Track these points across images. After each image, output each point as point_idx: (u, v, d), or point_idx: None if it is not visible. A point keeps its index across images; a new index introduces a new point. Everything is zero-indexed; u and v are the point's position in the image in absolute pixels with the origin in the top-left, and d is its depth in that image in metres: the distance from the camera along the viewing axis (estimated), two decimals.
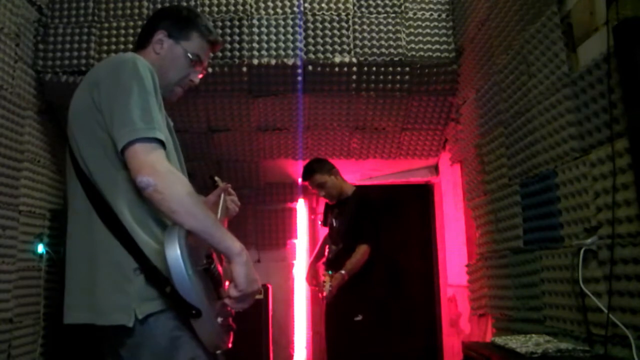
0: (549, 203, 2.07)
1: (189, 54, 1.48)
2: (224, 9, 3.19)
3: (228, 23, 3.17)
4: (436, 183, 4.05)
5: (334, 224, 3.30)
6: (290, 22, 3.16)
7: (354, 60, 3.14)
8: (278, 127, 3.54)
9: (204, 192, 1.58)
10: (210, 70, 3.07)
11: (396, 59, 3.15)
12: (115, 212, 1.21)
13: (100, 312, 1.18)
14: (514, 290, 2.42)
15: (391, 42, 3.16)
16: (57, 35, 3.13)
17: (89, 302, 1.21)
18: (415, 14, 3.22)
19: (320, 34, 3.15)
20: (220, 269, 1.32)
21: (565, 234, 1.94)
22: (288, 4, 3.19)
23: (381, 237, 3.18)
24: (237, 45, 3.12)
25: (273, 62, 3.11)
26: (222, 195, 1.62)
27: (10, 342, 2.63)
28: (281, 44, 3.13)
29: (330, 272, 3.08)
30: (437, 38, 3.19)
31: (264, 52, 3.11)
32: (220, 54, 3.09)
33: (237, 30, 3.15)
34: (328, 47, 3.14)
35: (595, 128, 1.74)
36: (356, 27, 3.18)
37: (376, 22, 3.19)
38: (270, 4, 3.20)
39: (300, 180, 3.55)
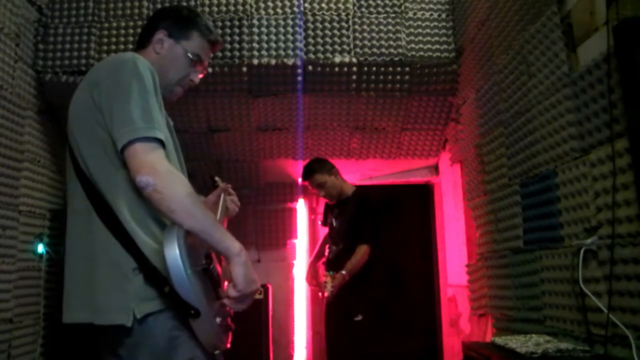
0: (549, 203, 2.07)
1: (189, 54, 1.48)
2: (224, 9, 3.19)
3: (228, 23, 3.17)
4: (436, 183, 4.05)
5: (334, 224, 3.30)
6: (290, 22, 3.16)
7: (354, 60, 3.14)
8: (278, 127, 3.54)
9: (204, 192, 1.58)
10: (210, 70, 3.07)
11: (396, 59, 3.15)
12: (115, 212, 1.21)
13: (99, 312, 1.18)
14: (514, 290, 2.42)
15: (391, 42, 3.16)
16: (57, 35, 3.13)
17: (88, 302, 1.21)
18: (415, 14, 3.22)
19: (320, 34, 3.15)
20: (219, 269, 1.32)
21: (565, 234, 1.94)
22: (288, 4, 3.19)
23: (381, 237, 3.18)
24: (237, 45, 3.12)
25: (273, 62, 3.11)
26: (222, 196, 1.62)
27: (10, 342, 2.63)
28: (281, 44, 3.13)
29: (331, 272, 3.08)
30: (437, 38, 3.19)
31: (264, 52, 3.11)
32: (220, 54, 3.09)
33: (237, 30, 3.15)
34: (328, 47, 3.14)
35: (595, 128, 1.74)
36: (356, 27, 3.18)
37: (376, 22, 3.19)
38: (270, 4, 3.20)
39: (300, 180, 3.56)
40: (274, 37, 3.13)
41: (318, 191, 3.30)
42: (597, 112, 1.72)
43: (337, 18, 3.19)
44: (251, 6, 3.19)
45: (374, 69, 3.17)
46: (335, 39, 3.15)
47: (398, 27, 3.19)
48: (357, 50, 3.14)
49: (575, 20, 1.90)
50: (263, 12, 3.19)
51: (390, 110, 3.41)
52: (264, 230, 4.12)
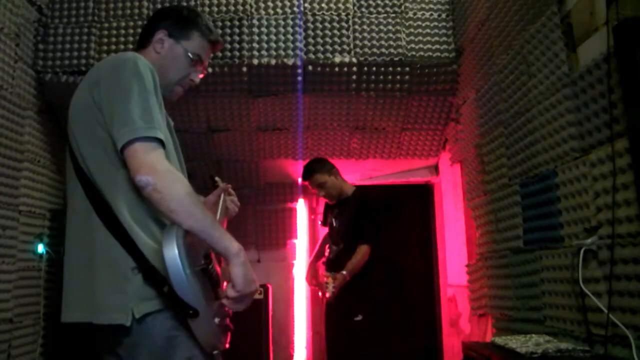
0: (549, 203, 2.07)
1: (190, 54, 1.48)
2: (224, 9, 3.19)
3: (228, 23, 3.17)
4: (436, 183, 4.05)
5: (334, 224, 3.30)
6: (290, 22, 3.16)
7: (354, 60, 3.14)
8: (278, 127, 3.54)
9: (204, 192, 1.58)
10: (210, 70, 3.07)
11: (396, 59, 3.15)
12: (115, 212, 1.21)
13: (98, 311, 1.19)
14: (514, 290, 2.42)
15: (391, 42, 3.16)
16: (57, 35, 3.13)
17: (87, 301, 1.21)
18: (415, 14, 3.22)
19: (320, 34, 3.15)
20: (218, 269, 1.32)
21: (565, 234, 1.94)
22: (288, 4, 3.19)
23: (381, 237, 3.18)
24: (237, 45, 3.12)
25: (273, 62, 3.11)
26: (222, 196, 1.62)
27: (10, 342, 2.63)
28: (281, 44, 3.13)
29: (332, 272, 3.07)
30: (437, 38, 3.19)
31: (264, 52, 3.11)
32: (220, 54, 3.09)
33: (237, 30, 3.15)
34: (328, 47, 3.14)
35: (595, 128, 1.74)
36: (356, 27, 3.18)
37: (376, 22, 3.19)
38: (270, 4, 3.20)
39: (300, 180, 3.56)
40: (274, 37, 3.13)
41: (318, 191, 3.30)
42: (597, 112, 1.72)
43: (337, 18, 3.19)
44: (251, 6, 3.19)
45: (374, 69, 3.17)
46: (335, 39, 3.15)
47: (398, 27, 3.19)
48: (357, 50, 3.14)
49: (575, 20, 1.90)
50: (263, 12, 3.19)
51: (390, 110, 3.41)
52: (264, 230, 4.12)
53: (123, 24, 3.16)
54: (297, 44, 3.12)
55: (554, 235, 2.03)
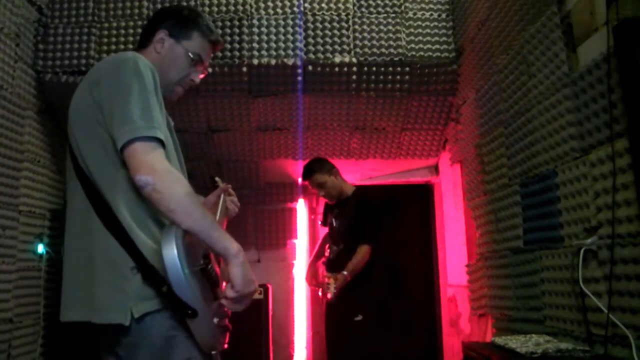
0: (549, 203, 2.07)
1: (190, 54, 1.48)
2: (224, 9, 3.19)
3: (228, 23, 3.17)
4: (436, 183, 4.05)
5: (334, 224, 3.30)
6: (290, 22, 3.16)
7: (354, 60, 3.14)
8: (278, 127, 3.54)
9: (203, 192, 1.58)
10: (210, 70, 3.07)
11: (396, 59, 3.15)
12: (114, 211, 1.21)
13: (97, 311, 1.19)
14: (514, 290, 2.42)
15: (391, 42, 3.16)
16: (57, 35, 3.13)
17: (86, 301, 1.21)
18: (415, 14, 3.22)
19: (320, 34, 3.15)
20: (217, 269, 1.32)
21: (565, 234, 1.94)
22: (288, 4, 3.19)
23: (381, 237, 3.18)
24: (237, 45, 3.12)
25: (273, 62, 3.11)
26: (222, 196, 1.62)
27: (10, 342, 2.63)
28: (281, 44, 3.13)
29: (333, 273, 3.06)
30: (437, 38, 3.19)
31: (264, 52, 3.11)
32: (220, 54, 3.09)
33: (237, 30, 3.15)
34: (328, 47, 3.14)
35: (595, 128, 1.74)
36: (356, 27, 3.18)
37: (376, 22, 3.19)
38: (270, 4, 3.20)
39: (300, 180, 3.55)
40: (274, 37, 3.13)
41: (318, 191, 3.30)
42: (597, 112, 1.72)
43: (337, 18, 3.19)
44: (251, 6, 3.19)
45: (374, 69, 3.17)
46: (335, 39, 3.15)
47: (398, 27, 3.19)
48: (357, 50, 3.14)
49: (575, 20, 1.90)
50: (263, 12, 3.19)
51: (390, 110, 3.41)
52: (264, 230, 4.12)
53: (123, 24, 3.16)
54: (297, 44, 3.12)
55: (554, 235, 2.03)
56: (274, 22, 3.16)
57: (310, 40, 3.14)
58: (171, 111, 1.48)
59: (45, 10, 3.16)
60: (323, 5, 3.20)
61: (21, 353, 2.74)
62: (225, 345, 1.29)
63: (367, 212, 3.15)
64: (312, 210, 4.32)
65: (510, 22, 2.42)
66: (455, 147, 3.37)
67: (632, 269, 1.55)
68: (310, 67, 3.14)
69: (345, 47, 3.14)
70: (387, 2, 3.23)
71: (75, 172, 1.29)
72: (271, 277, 3.92)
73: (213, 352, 1.26)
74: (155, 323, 1.18)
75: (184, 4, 3.18)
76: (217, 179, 1.71)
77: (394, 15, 3.21)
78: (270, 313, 3.73)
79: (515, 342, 1.85)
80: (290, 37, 3.13)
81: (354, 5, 3.22)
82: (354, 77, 3.19)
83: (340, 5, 3.21)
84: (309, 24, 3.17)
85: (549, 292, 2.06)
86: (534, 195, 2.22)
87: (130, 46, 3.09)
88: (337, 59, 3.13)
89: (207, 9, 3.18)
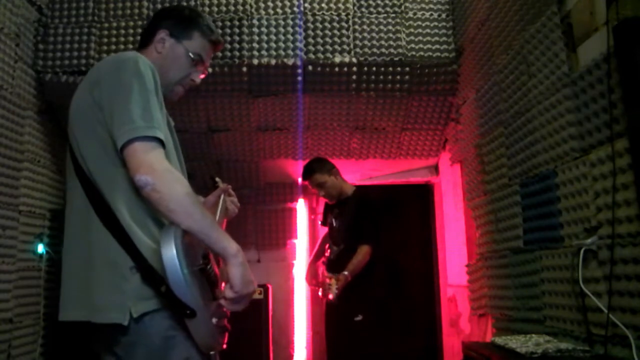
0: (549, 203, 2.07)
1: (191, 54, 1.48)
2: (224, 9, 3.19)
3: (228, 23, 3.17)
4: (436, 183, 4.05)
5: (334, 224, 3.30)
6: (290, 22, 3.16)
7: (354, 60, 3.14)
8: (278, 127, 3.54)
9: (203, 192, 1.58)
10: (210, 70, 3.07)
11: (396, 59, 3.15)
12: (114, 211, 1.21)
13: (96, 310, 1.19)
14: (514, 290, 2.42)
15: (391, 42, 3.16)
16: (57, 35, 3.13)
17: (85, 300, 1.21)
18: (415, 14, 3.22)
19: (320, 34, 3.15)
20: (217, 269, 1.32)
21: (565, 234, 1.94)
22: (288, 4, 3.19)
23: (381, 237, 3.18)
24: (237, 45, 3.12)
25: (273, 62, 3.11)
26: (222, 196, 1.62)
27: (10, 342, 2.63)
28: (281, 44, 3.13)
29: (335, 274, 3.05)
30: (437, 38, 3.19)
31: (264, 52, 3.11)
32: (220, 54, 3.09)
33: (237, 30, 3.15)
34: (328, 47, 3.14)
35: (595, 128, 1.74)
36: (356, 27, 3.18)
37: (376, 22, 3.19)
38: (270, 4, 3.20)
39: (300, 180, 3.55)
40: (274, 37, 3.13)
41: (318, 191, 3.30)
42: (597, 112, 1.72)
43: (337, 18, 3.19)
44: (251, 6, 3.19)
45: (374, 69, 3.17)
46: (335, 39, 3.15)
47: (398, 27, 3.19)
48: (357, 50, 3.14)
49: (575, 20, 1.90)
50: (263, 12, 3.19)
51: (390, 110, 3.41)
52: (264, 230, 4.12)
53: (123, 24, 3.16)
54: (297, 44, 3.12)
55: (554, 235, 2.03)
56: (274, 22, 3.16)
57: (310, 40, 3.14)
58: (171, 111, 1.48)
59: (45, 10, 3.16)
60: (323, 5, 3.20)
61: (21, 353, 2.74)
62: (224, 346, 1.29)
63: (367, 212, 3.15)
64: (312, 210, 4.32)
65: (510, 22, 2.42)
66: (455, 147, 3.37)
67: (632, 269, 1.55)
68: (310, 67, 3.14)
69: (345, 47, 3.14)
70: (387, 2, 3.23)
71: (75, 172, 1.29)
72: (271, 277, 3.93)
73: (212, 353, 1.26)
74: (154, 323, 1.18)
75: (184, 4, 3.18)
76: (217, 179, 1.71)
77: (394, 15, 3.21)
78: (270, 313, 3.74)
79: (515, 342, 1.85)
80: (290, 37, 3.13)
81: (354, 5, 3.22)
82: (354, 77, 3.19)
83: (340, 5, 3.21)
84: (309, 24, 3.17)
85: (549, 292, 2.06)
86: (534, 195, 2.22)
87: (130, 46, 3.09)
88: (337, 59, 3.13)
89: (207, 9, 3.18)
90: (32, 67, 3.04)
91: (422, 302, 4.20)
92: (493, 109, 2.66)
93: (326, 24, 3.17)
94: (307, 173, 3.26)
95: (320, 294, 3.24)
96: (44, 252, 2.97)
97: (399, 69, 3.18)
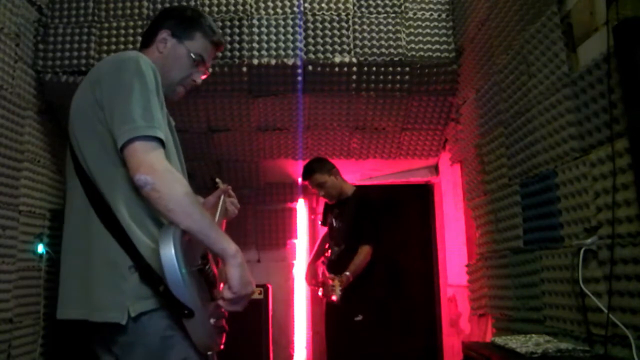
0: (549, 203, 2.07)
1: (192, 54, 1.49)
2: (224, 9, 3.19)
3: (228, 23, 3.17)
4: (436, 183, 4.05)
5: (334, 224, 3.30)
6: (290, 22, 3.16)
7: (354, 60, 3.14)
8: (278, 127, 3.54)
9: (203, 193, 1.58)
10: (210, 70, 3.06)
11: (396, 59, 3.15)
12: (113, 210, 1.21)
13: (94, 309, 1.19)
14: (514, 290, 2.42)
15: (391, 42, 3.16)
16: (57, 35, 3.13)
17: (83, 299, 1.21)
18: (415, 14, 3.22)
19: (320, 34, 3.15)
20: (215, 270, 1.32)
21: (565, 234, 1.94)
22: (288, 4, 3.19)
23: (381, 237, 3.18)
24: (237, 45, 3.12)
25: (273, 62, 3.11)
26: (222, 197, 1.62)
27: (10, 342, 2.63)
28: (281, 44, 3.13)
29: (337, 275, 3.05)
30: (437, 38, 3.19)
31: (264, 52, 3.11)
32: (220, 54, 3.09)
33: (237, 30, 3.15)
34: (328, 47, 3.14)
35: (595, 128, 1.74)
36: (356, 27, 3.18)
37: (376, 22, 3.19)
38: (270, 4, 3.20)
39: (300, 180, 3.55)
40: (274, 37, 3.13)
41: (318, 191, 3.30)
42: (597, 112, 1.72)
43: (337, 18, 3.19)
44: (251, 6, 3.19)
45: (374, 69, 3.17)
46: (335, 39, 3.15)
47: (398, 27, 3.19)
48: (357, 50, 3.14)
49: (575, 20, 1.90)
50: (263, 12, 3.19)
51: (390, 110, 3.41)
52: (264, 230, 4.12)
53: (123, 24, 3.16)
54: (297, 44, 3.12)
55: (554, 235, 2.03)
56: (274, 22, 3.16)
57: (310, 40, 3.14)
58: (171, 111, 1.48)
59: (45, 10, 3.16)
60: (323, 5, 3.20)
61: (21, 353, 2.74)
62: (222, 346, 1.29)
63: (367, 213, 3.15)
64: (312, 210, 4.32)
65: (510, 22, 2.42)
66: (455, 147, 3.37)
67: (632, 269, 1.55)
68: (310, 67, 3.14)
69: (345, 47, 3.14)
70: (387, 2, 3.23)
71: (75, 171, 1.29)
72: (271, 277, 3.93)
73: (209, 353, 1.26)
74: (152, 322, 1.18)
75: (184, 4, 3.18)
76: (217, 180, 1.71)
77: (394, 15, 3.21)
78: (270, 313, 3.74)
79: (515, 342, 1.85)
80: (290, 37, 3.13)
81: (354, 5, 3.22)
82: (354, 77, 3.19)
83: (340, 5, 3.21)
84: (309, 24, 3.17)
85: (549, 292, 2.06)
86: (534, 195, 2.22)
87: (130, 46, 3.09)
88: (337, 59, 3.13)
89: (207, 9, 3.18)
90: (32, 67, 3.04)
91: (422, 302, 4.20)
92: (493, 109, 2.66)
93: (326, 24, 3.17)
94: (307, 173, 3.26)
95: (320, 293, 3.24)
96: (44, 252, 2.97)
97: (399, 69, 3.18)
